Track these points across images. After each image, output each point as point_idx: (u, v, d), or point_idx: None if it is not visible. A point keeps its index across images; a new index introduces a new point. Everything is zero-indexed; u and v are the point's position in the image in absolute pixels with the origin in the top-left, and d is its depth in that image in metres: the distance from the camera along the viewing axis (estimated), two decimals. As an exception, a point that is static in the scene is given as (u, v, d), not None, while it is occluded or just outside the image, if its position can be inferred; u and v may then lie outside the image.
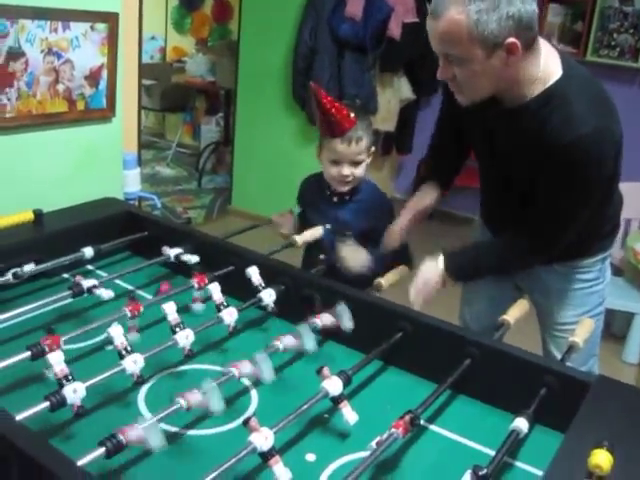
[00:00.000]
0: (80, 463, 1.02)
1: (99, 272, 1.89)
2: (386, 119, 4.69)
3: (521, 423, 1.22)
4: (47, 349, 1.30)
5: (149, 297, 1.69)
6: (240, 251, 1.83)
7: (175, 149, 6.68)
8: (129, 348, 1.35)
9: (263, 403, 1.38)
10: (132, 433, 1.09)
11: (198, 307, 1.65)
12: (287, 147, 4.87)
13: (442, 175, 2.05)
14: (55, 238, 1.88)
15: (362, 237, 1.96)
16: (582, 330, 1.57)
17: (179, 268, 1.85)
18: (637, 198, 3.05)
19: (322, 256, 1.92)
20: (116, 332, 1.36)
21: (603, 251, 1.91)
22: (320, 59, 4.39)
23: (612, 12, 4.39)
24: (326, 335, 1.59)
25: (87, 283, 1.63)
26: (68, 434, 1.24)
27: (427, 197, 2.00)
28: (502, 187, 1.83)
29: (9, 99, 1.95)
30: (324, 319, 1.50)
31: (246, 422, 1.10)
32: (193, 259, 1.81)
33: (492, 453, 1.16)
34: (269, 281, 1.67)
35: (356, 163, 1.95)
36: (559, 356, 1.82)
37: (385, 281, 1.74)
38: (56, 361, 1.25)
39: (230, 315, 1.54)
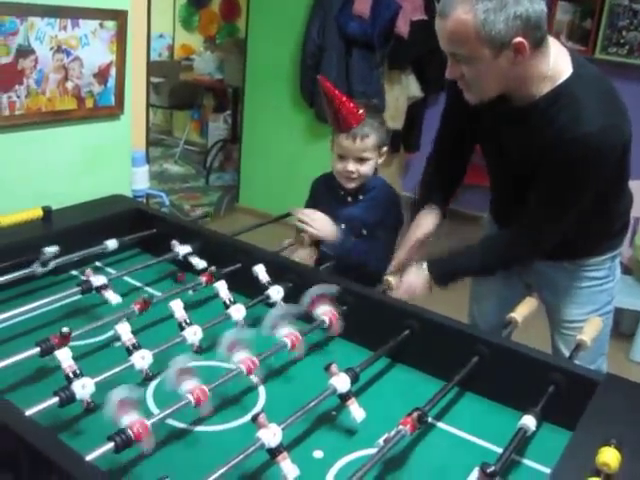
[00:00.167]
0: (89, 458, 1.03)
1: (108, 269, 1.90)
2: (394, 117, 4.68)
3: (529, 421, 1.21)
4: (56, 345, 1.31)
5: (158, 294, 1.70)
6: (248, 248, 1.83)
7: (183, 147, 6.69)
8: (137, 344, 1.36)
9: (271, 399, 1.38)
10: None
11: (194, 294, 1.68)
12: (295, 145, 4.87)
13: (442, 191, 2.02)
14: (64, 235, 1.88)
15: (369, 230, 1.97)
16: (590, 328, 1.56)
17: (188, 265, 1.86)
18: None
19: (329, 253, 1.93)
20: (124, 329, 1.37)
21: (613, 249, 1.90)
22: (328, 57, 4.39)
23: (621, 9, 4.36)
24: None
25: (96, 281, 1.63)
26: (77, 429, 1.25)
27: (424, 226, 1.96)
28: (511, 185, 1.83)
29: (18, 96, 1.96)
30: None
31: (255, 418, 1.11)
32: (201, 264, 1.81)
33: (500, 451, 1.16)
34: (277, 278, 1.68)
35: (362, 160, 1.95)
36: (567, 354, 1.82)
37: (394, 279, 1.74)
38: (64, 358, 1.26)
39: (238, 312, 1.55)
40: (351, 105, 1.90)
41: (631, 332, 3.63)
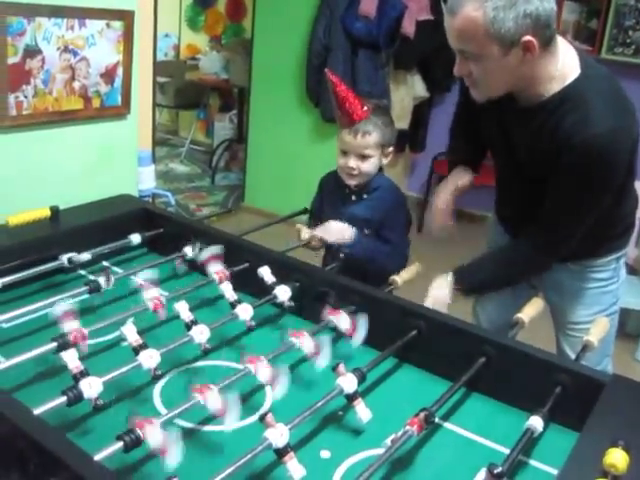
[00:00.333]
0: (97, 457, 1.03)
1: (115, 269, 1.90)
2: (400, 117, 4.68)
3: (536, 422, 1.21)
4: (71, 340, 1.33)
5: (165, 293, 1.70)
6: (255, 248, 1.83)
7: (189, 146, 6.71)
8: (143, 344, 1.36)
9: (278, 399, 1.38)
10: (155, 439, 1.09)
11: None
12: (300, 144, 4.87)
13: (471, 153, 2.03)
14: (72, 234, 1.89)
15: (374, 229, 1.98)
16: (597, 329, 1.56)
17: (195, 265, 1.86)
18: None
19: (342, 255, 1.92)
20: (129, 330, 1.37)
21: (617, 250, 1.90)
22: (334, 57, 4.40)
23: (627, 9, 4.35)
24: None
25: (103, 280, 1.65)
26: (85, 429, 1.25)
27: (466, 173, 1.98)
28: (517, 185, 1.83)
29: (26, 96, 1.96)
30: (341, 321, 1.49)
31: (262, 418, 1.11)
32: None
33: (507, 451, 1.16)
34: (284, 278, 1.68)
35: (363, 157, 1.95)
36: (572, 355, 1.82)
37: (400, 278, 1.74)
38: (70, 359, 1.26)
39: (245, 312, 1.55)
40: (355, 101, 1.90)
41: (637, 333, 3.63)
